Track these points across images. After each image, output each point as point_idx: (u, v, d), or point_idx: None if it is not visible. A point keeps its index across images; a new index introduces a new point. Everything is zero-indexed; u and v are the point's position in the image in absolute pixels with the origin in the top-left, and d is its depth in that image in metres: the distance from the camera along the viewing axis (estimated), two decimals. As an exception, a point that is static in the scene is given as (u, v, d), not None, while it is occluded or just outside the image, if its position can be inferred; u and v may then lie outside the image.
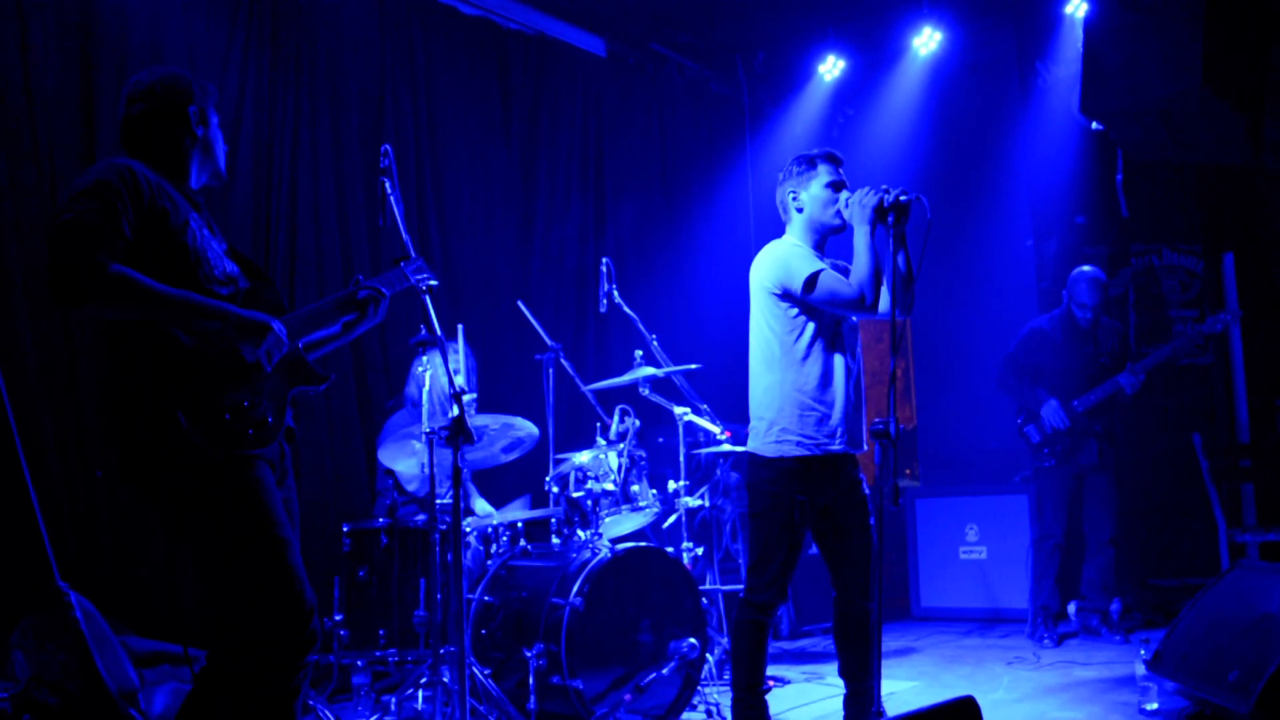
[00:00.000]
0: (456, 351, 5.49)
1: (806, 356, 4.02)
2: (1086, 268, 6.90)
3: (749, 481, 4.14)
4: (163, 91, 3.11)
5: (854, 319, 4.16)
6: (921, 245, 3.66)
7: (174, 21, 5.68)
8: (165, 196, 2.95)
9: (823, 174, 4.12)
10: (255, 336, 2.90)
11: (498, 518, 5.40)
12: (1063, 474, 6.73)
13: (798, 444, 3.99)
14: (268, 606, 2.84)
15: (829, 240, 4.21)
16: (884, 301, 3.98)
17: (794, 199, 4.16)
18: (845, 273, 4.06)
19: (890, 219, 3.80)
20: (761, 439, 4.07)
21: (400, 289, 3.57)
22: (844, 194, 4.06)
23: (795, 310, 4.03)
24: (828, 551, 4.17)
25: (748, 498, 4.17)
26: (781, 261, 4.05)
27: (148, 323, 2.82)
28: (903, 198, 3.77)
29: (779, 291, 4.03)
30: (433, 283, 3.72)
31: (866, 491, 4.17)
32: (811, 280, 3.92)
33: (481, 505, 5.83)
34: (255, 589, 2.85)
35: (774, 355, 4.07)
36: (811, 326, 4.02)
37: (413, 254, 3.72)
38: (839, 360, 4.05)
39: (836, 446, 4.00)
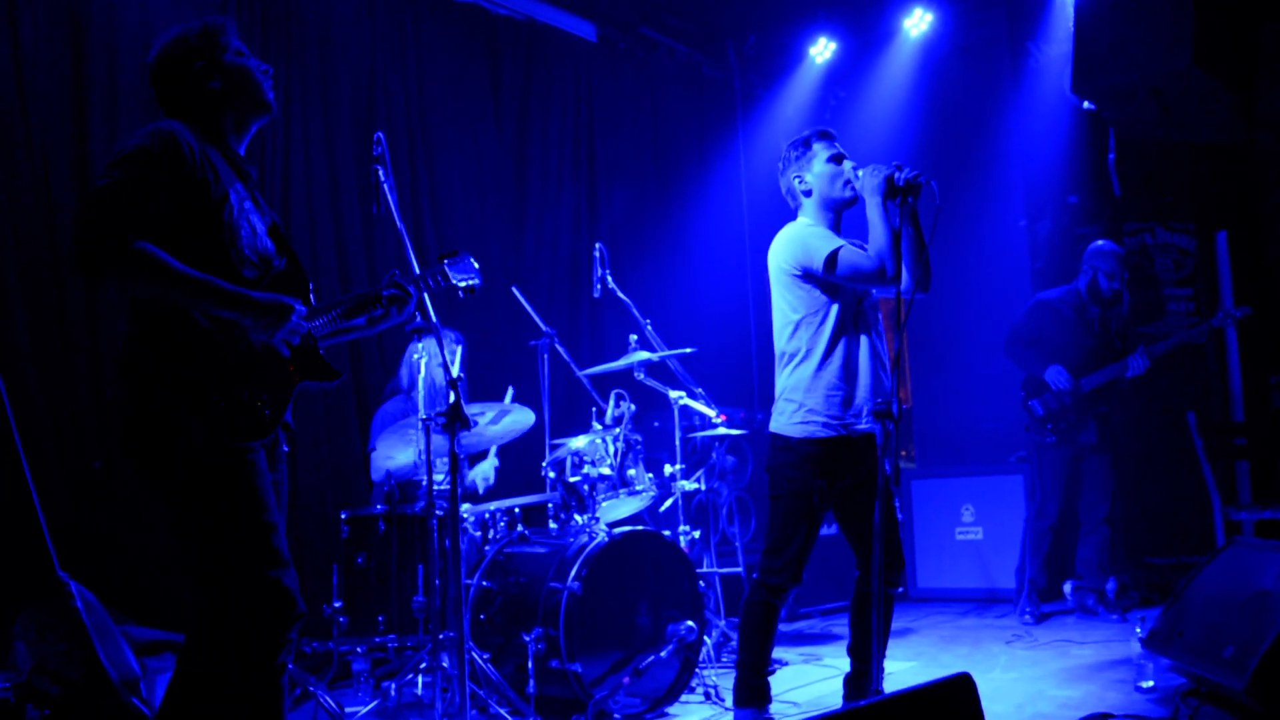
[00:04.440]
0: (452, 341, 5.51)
1: (831, 336, 3.98)
2: (1101, 241, 6.81)
3: (770, 464, 4.10)
4: (178, 51, 3.02)
5: (875, 294, 4.12)
6: (930, 230, 3.65)
7: (163, 11, 5.65)
8: (208, 166, 2.89)
9: (820, 151, 4.10)
10: (275, 319, 2.85)
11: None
12: (1062, 453, 6.67)
13: (824, 425, 3.97)
14: (249, 586, 2.82)
15: (842, 217, 4.16)
16: (906, 275, 3.92)
17: (800, 183, 4.13)
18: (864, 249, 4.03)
19: (899, 198, 3.76)
20: (787, 419, 4.03)
21: (441, 288, 3.50)
22: (848, 163, 4.05)
23: (817, 290, 4.00)
24: (850, 531, 4.15)
25: (768, 480, 4.13)
26: (800, 242, 4.02)
27: (167, 302, 2.79)
28: (916, 179, 3.73)
29: (799, 272, 4.00)
30: (475, 282, 3.62)
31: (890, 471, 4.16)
32: (833, 257, 3.89)
33: (481, 469, 5.81)
34: (237, 569, 2.82)
35: (798, 337, 4.04)
36: (834, 306, 3.99)
37: (462, 251, 3.61)
38: (863, 339, 4.04)
39: (863, 425, 3.98)
